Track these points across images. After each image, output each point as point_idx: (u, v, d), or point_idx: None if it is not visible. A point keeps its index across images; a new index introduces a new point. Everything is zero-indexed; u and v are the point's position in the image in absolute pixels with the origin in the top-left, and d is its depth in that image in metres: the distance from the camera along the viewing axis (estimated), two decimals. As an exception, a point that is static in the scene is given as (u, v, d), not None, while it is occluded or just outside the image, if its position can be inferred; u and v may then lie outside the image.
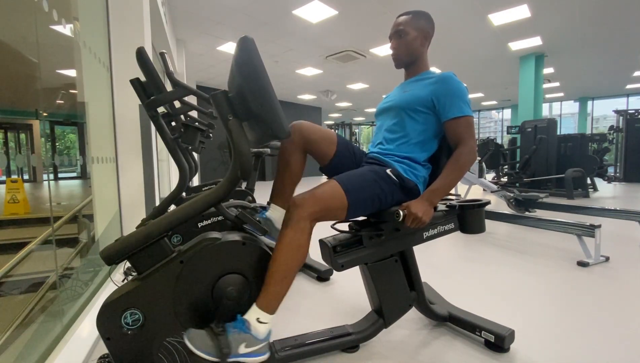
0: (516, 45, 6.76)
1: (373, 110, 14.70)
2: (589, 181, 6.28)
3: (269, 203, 1.23)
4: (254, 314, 0.93)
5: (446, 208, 1.31)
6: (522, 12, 5.22)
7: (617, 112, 8.40)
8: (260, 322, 0.92)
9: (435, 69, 1.36)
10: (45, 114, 1.72)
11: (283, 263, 0.96)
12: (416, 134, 1.27)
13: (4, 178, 2.27)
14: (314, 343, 1.25)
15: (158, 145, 3.07)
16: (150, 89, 1.41)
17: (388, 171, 1.18)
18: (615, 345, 1.35)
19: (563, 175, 5.63)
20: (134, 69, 1.53)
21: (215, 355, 0.86)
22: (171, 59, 4.99)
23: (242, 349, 0.89)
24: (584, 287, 1.95)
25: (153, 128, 2.56)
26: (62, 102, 1.99)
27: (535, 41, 6.53)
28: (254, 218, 1.08)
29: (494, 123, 23.34)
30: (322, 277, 2.10)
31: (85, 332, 1.41)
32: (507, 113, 15.76)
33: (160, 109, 1.58)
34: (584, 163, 6.18)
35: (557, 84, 10.63)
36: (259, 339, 0.91)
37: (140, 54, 1.35)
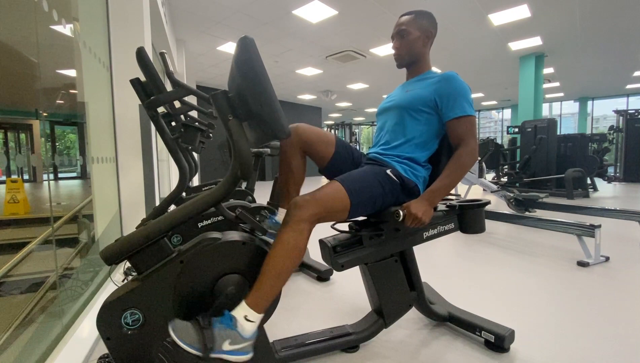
0: (516, 45, 6.76)
1: (373, 110, 14.70)
2: (589, 181, 6.29)
3: (269, 203, 1.23)
4: (242, 311, 0.92)
5: (446, 209, 1.31)
6: (522, 12, 5.23)
7: (617, 112, 8.40)
8: (248, 320, 0.91)
9: (435, 69, 1.36)
10: (45, 114, 1.72)
11: (278, 263, 0.95)
12: (418, 134, 1.27)
13: (4, 178, 2.27)
14: (314, 343, 1.26)
15: (158, 145, 3.07)
16: (150, 89, 1.41)
17: (388, 171, 1.18)
18: (615, 345, 1.35)
19: (563, 175, 5.63)
20: (134, 69, 1.53)
21: (198, 349, 0.84)
22: (171, 59, 4.99)
23: (226, 346, 0.88)
24: (584, 287, 1.95)
25: (153, 128, 2.56)
26: (62, 102, 1.99)
27: (535, 41, 6.53)
28: (254, 218, 1.07)
29: (494, 123, 23.35)
30: (322, 277, 2.10)
31: (85, 332, 1.41)
32: (507, 113, 15.75)
33: (160, 109, 1.57)
34: (584, 163, 6.19)
35: (557, 84, 10.63)
36: (244, 337, 0.90)
37: (140, 54, 1.35)
